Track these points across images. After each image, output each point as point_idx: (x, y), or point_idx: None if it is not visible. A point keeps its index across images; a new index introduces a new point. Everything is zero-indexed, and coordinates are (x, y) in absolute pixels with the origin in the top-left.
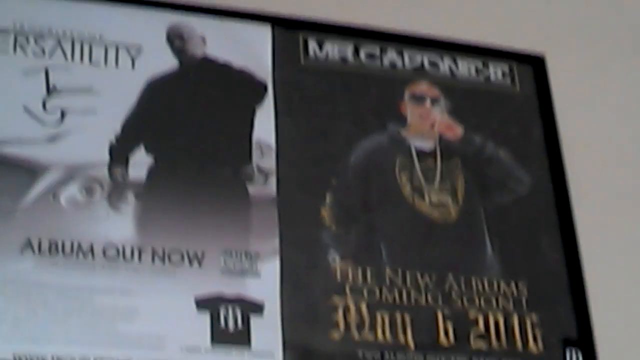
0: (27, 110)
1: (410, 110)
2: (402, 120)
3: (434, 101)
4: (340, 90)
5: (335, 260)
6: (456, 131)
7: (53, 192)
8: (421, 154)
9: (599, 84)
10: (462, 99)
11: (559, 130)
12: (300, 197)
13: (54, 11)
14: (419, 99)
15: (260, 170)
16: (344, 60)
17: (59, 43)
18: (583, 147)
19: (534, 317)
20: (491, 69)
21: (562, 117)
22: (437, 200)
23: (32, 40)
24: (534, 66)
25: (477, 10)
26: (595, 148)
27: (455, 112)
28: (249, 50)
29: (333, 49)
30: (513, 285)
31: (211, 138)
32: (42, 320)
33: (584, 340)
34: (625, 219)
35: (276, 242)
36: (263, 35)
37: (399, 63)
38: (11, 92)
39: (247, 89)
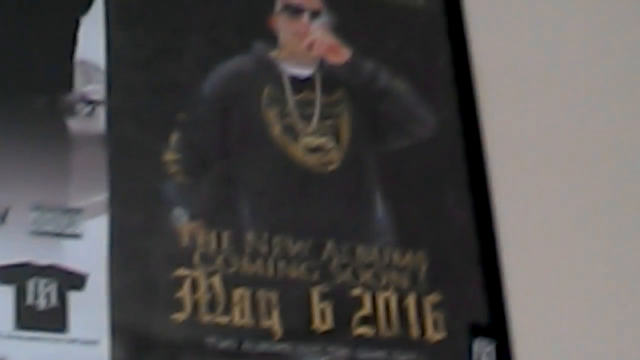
0: None
1: (282, 25)
2: (271, 38)
3: (314, 14)
4: None
5: (181, 220)
6: (342, 54)
7: None
8: (296, 83)
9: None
10: (350, 13)
11: (472, 57)
12: (138, 136)
13: None
14: (294, 12)
15: (84, 99)
16: None
17: None
18: (501, 79)
19: (435, 296)
20: None
21: (476, 40)
22: (315, 144)
23: None
24: None
25: None
26: (515, 81)
27: (341, 30)
28: None
29: None
30: (409, 255)
31: (19, 56)
32: None
33: (497, 327)
34: (550, 172)
35: (104, 196)
36: None
37: None
38: None
39: None
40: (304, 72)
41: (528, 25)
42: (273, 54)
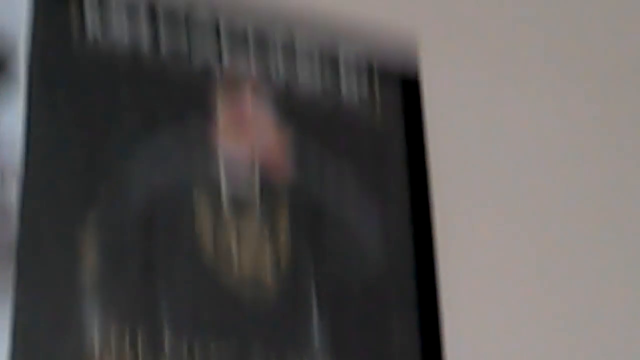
0: None
1: (223, 132)
2: (211, 147)
3: (259, 121)
4: (126, 91)
5: (93, 314)
6: (286, 169)
7: None
8: (234, 199)
9: (488, 108)
10: (300, 120)
11: (430, 173)
12: (52, 213)
13: None
14: (237, 120)
15: None
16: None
17: None
18: (459, 199)
19: None
20: (346, 86)
21: (435, 152)
22: (250, 271)
23: None
24: (404, 87)
25: None
26: (477, 202)
27: (289, 141)
28: None
29: (122, 29)
30: None
31: None
32: None
33: None
34: (506, 298)
35: (8, 281)
36: None
37: (213, 63)
38: None
39: None
40: (244, 188)
41: (495, 138)
42: (212, 164)
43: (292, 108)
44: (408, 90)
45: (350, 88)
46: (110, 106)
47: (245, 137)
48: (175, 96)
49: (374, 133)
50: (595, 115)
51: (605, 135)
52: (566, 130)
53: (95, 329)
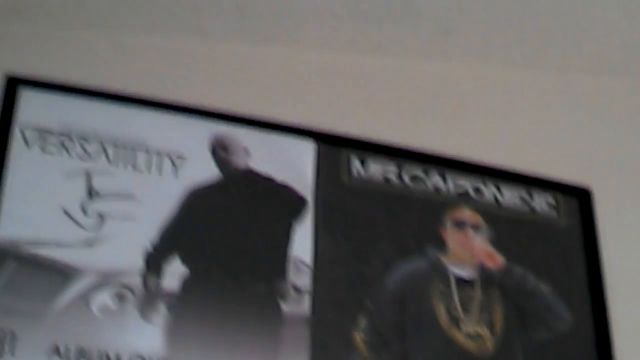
0: (66, 212)
1: (451, 236)
2: (442, 245)
3: (476, 229)
4: (382, 211)
5: None
6: (497, 261)
7: (85, 298)
8: (460, 282)
9: None
10: (505, 228)
11: (603, 267)
12: (334, 318)
13: (100, 114)
14: (460, 225)
15: (295, 288)
16: (387, 180)
17: (103, 147)
18: (628, 286)
19: None
20: (536, 200)
21: (607, 253)
22: (474, 331)
23: (76, 142)
24: (579, 199)
25: (523, 139)
26: None
27: (497, 242)
28: (292, 164)
29: (376, 169)
30: None
31: (248, 251)
32: None
33: None
34: None
35: None
36: (306, 151)
37: (442, 187)
38: (52, 193)
39: (287, 204)
40: (467, 273)
41: None
42: (443, 257)
43: (499, 221)
44: (584, 205)
45: (541, 203)
46: (371, 238)
47: (468, 250)
48: (419, 233)
49: (557, 237)
50: None
51: None
52: None
53: None
